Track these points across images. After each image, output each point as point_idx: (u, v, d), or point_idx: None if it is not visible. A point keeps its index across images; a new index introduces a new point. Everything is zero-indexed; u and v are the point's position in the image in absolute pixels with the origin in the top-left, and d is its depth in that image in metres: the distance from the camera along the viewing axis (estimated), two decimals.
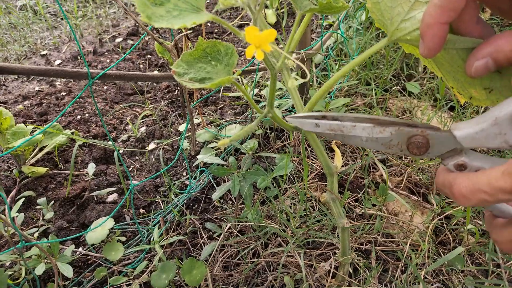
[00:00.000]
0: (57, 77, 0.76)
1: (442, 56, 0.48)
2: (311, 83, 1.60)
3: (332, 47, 1.78)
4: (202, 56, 0.61)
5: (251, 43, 0.45)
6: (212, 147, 1.20)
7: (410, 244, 1.03)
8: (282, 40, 1.94)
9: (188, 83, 0.56)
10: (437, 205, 1.12)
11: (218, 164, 1.11)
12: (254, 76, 1.74)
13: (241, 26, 2.25)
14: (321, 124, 0.47)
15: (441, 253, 1.02)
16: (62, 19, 2.82)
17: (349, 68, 0.60)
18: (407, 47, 0.59)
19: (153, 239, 0.99)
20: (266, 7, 2.18)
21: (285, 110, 1.35)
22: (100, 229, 0.98)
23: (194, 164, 1.24)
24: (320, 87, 1.62)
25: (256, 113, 1.38)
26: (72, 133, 1.40)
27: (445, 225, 1.08)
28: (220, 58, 0.61)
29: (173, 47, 0.89)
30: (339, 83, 1.60)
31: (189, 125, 1.07)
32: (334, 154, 1.27)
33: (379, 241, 1.04)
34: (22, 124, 1.31)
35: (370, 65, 1.61)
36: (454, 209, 1.08)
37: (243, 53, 1.90)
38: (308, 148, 1.31)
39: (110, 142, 1.44)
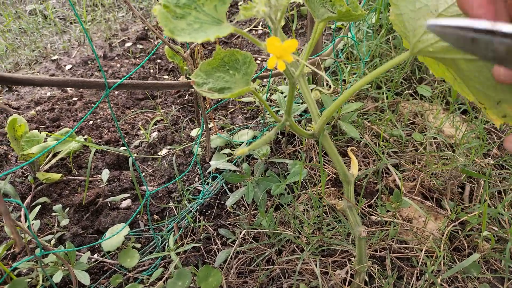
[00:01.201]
0: (75, 87, 0.77)
1: (468, 69, 0.48)
2: (322, 87, 1.60)
3: (342, 49, 1.78)
4: (220, 65, 0.61)
5: (273, 54, 0.45)
6: (225, 153, 1.21)
7: (424, 251, 1.02)
8: None
9: (208, 94, 0.56)
10: (451, 211, 1.12)
11: (231, 171, 1.11)
12: (264, 81, 1.74)
13: (250, 30, 2.25)
14: (481, 40, 0.32)
15: (456, 260, 1.02)
16: (71, 23, 2.84)
17: (370, 78, 0.60)
18: (424, 58, 0.59)
19: (168, 246, 1.00)
20: None
21: (297, 115, 1.35)
22: (115, 236, 0.99)
23: (207, 171, 1.24)
24: (330, 90, 1.62)
25: (269, 116, 1.38)
26: (85, 139, 1.41)
27: (459, 231, 1.08)
28: (238, 67, 0.61)
29: (188, 56, 0.90)
30: (350, 86, 1.60)
31: (203, 130, 1.07)
32: (348, 160, 1.27)
33: (394, 247, 1.04)
34: (36, 131, 1.32)
35: None
36: (469, 216, 1.07)
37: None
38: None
39: (123, 148, 1.45)
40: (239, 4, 2.63)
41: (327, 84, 1.64)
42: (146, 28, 2.45)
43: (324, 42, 1.90)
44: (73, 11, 2.95)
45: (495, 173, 1.25)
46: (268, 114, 1.38)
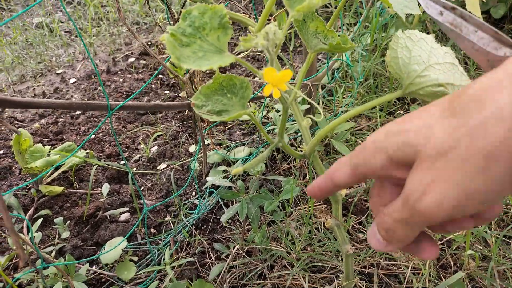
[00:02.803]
0: (80, 110, 0.82)
1: None
2: (317, 104, 1.65)
3: (338, 68, 1.83)
4: (219, 88, 0.66)
5: (269, 83, 0.50)
6: (222, 170, 1.25)
7: (412, 268, 1.06)
8: (288, 60, 2.00)
9: (207, 116, 0.61)
10: None
11: (227, 187, 1.16)
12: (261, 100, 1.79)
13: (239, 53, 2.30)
14: (445, 14, 0.46)
15: (442, 277, 1.06)
16: (76, 36, 2.91)
17: (361, 110, 0.65)
18: None
19: (164, 260, 1.04)
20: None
21: (292, 133, 1.40)
22: (113, 249, 1.03)
23: (204, 187, 1.29)
24: (326, 110, 1.67)
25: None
26: (87, 153, 1.46)
27: (446, 249, 1.11)
28: (236, 91, 0.65)
29: (187, 79, 0.95)
30: (345, 105, 1.65)
31: (200, 148, 1.12)
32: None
33: (382, 264, 1.08)
34: (40, 145, 1.37)
35: (374, 88, 1.65)
36: (455, 235, 1.11)
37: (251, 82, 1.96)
38: (313, 170, 1.35)
39: (123, 162, 1.49)
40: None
41: (323, 102, 1.70)
42: (149, 43, 2.52)
43: (320, 60, 1.96)
44: (78, 25, 3.03)
45: None
46: None
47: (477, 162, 0.29)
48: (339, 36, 0.66)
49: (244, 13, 1.00)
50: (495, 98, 0.28)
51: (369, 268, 1.07)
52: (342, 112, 1.60)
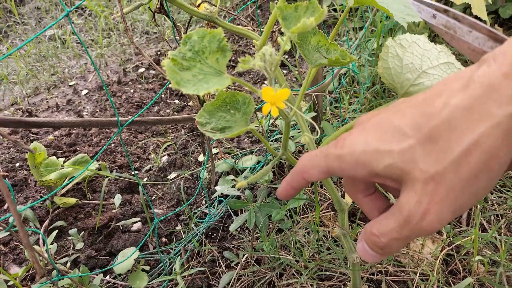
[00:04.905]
0: (91, 127, 0.85)
1: None
2: (324, 111, 1.66)
3: (345, 74, 1.84)
4: (222, 105, 0.68)
5: (267, 101, 0.52)
6: (230, 179, 1.27)
7: (420, 274, 1.06)
8: (294, 67, 2.02)
9: (210, 133, 0.63)
10: (447, 235, 1.16)
11: (235, 196, 1.18)
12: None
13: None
14: (438, 16, 0.47)
15: (451, 283, 1.06)
16: (87, 47, 2.97)
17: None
18: None
19: (175, 269, 1.06)
20: (281, 33, 2.25)
21: (299, 141, 1.42)
22: (126, 260, 1.06)
23: (213, 196, 1.31)
24: (333, 115, 1.68)
25: (272, 142, 1.44)
26: (99, 164, 1.50)
27: (455, 254, 1.11)
28: (239, 107, 0.67)
29: (194, 95, 0.97)
30: (352, 111, 1.66)
31: (208, 159, 1.14)
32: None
33: (390, 271, 1.08)
34: (54, 157, 1.41)
35: (381, 93, 1.66)
36: (463, 240, 1.11)
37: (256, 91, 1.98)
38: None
39: (134, 174, 1.53)
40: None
41: (330, 109, 1.71)
42: (158, 53, 2.56)
43: (327, 67, 1.97)
44: (89, 36, 3.10)
45: (494, 197, 1.29)
46: (271, 141, 1.45)
47: (464, 183, 0.34)
48: (341, 46, 0.68)
49: (246, 25, 1.02)
50: (469, 129, 0.32)
51: (377, 275, 1.07)
52: (349, 118, 1.61)
